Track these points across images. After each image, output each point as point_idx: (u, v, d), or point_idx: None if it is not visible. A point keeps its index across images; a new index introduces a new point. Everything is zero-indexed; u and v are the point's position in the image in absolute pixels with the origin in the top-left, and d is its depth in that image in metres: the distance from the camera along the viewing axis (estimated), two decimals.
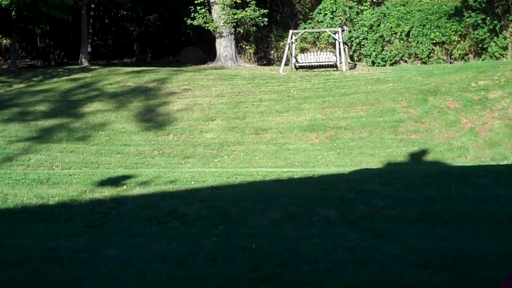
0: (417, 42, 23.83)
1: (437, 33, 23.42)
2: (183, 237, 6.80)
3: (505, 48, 22.13)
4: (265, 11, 25.21)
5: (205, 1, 25.36)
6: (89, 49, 29.12)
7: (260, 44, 28.51)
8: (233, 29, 25.30)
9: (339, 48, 21.91)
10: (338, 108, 16.17)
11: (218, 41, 25.66)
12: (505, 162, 12.01)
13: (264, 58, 28.41)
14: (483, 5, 22.07)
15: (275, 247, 6.26)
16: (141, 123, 15.82)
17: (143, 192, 8.84)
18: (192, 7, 24.95)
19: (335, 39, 22.58)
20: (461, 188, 8.67)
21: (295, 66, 22.55)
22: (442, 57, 23.60)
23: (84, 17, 26.48)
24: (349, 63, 22.78)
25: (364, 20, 24.75)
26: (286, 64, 22.31)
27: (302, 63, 22.71)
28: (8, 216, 7.71)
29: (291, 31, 23.36)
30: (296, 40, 23.91)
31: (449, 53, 23.52)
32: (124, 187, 9.20)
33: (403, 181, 9.29)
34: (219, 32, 25.29)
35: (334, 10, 25.40)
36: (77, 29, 27.30)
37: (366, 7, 25.17)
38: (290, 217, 7.51)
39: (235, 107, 16.76)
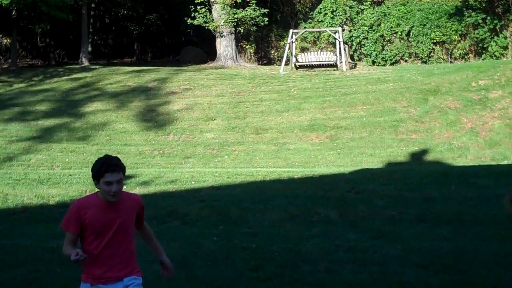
0: (418, 42, 23.81)
1: (438, 32, 23.40)
2: (183, 237, 6.80)
3: (506, 48, 22.10)
4: (266, 10, 25.18)
5: (206, 0, 25.35)
6: (90, 49, 29.10)
7: (261, 43, 28.49)
8: (234, 29, 25.28)
9: (339, 48, 21.90)
10: (338, 108, 16.17)
11: (218, 40, 25.65)
12: (505, 162, 12.01)
13: (264, 58, 28.39)
14: (484, 5, 22.04)
15: (275, 247, 6.26)
16: (141, 123, 15.82)
17: (144, 192, 8.85)
18: (192, 6, 24.93)
19: (335, 39, 22.57)
20: (461, 188, 8.67)
21: (295, 65, 22.55)
22: (442, 57, 23.58)
23: (85, 16, 26.46)
24: (349, 62, 22.78)
25: (365, 20, 24.74)
26: (286, 64, 22.30)
27: (303, 62, 22.70)
28: (9, 216, 7.73)
29: (291, 31, 23.35)
30: (296, 39, 23.90)
31: (449, 52, 23.50)
32: (125, 187, 9.19)
33: (403, 181, 9.29)
34: (219, 32, 25.28)
35: (335, 9, 25.39)
36: (78, 28, 27.24)
37: (367, 7, 25.15)
38: (290, 217, 7.52)
39: (235, 107, 16.76)
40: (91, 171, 3.40)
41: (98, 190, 3.39)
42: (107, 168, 3.30)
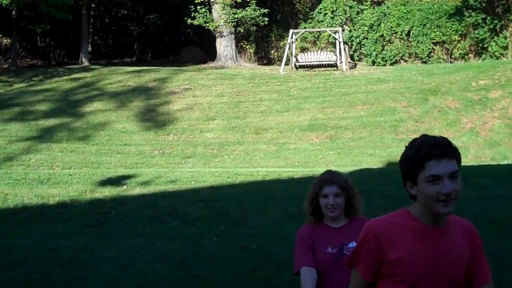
0: (418, 42, 23.82)
1: (438, 32, 23.40)
2: (183, 237, 6.80)
3: (506, 48, 22.11)
4: (266, 10, 25.19)
5: (206, 0, 25.35)
6: (90, 49, 29.11)
7: (261, 43, 28.49)
8: (234, 29, 25.29)
9: (339, 48, 21.90)
10: (338, 108, 16.17)
11: (218, 40, 25.65)
12: (505, 162, 12.01)
13: (264, 58, 28.39)
14: (484, 5, 22.05)
15: (275, 247, 6.26)
16: (141, 123, 15.82)
17: (144, 192, 8.85)
18: (192, 6, 24.93)
19: (335, 39, 22.57)
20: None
21: (295, 65, 22.55)
22: (442, 57, 23.58)
23: (85, 16, 26.47)
24: (349, 62, 22.78)
25: (365, 20, 24.74)
26: (286, 64, 22.31)
27: (303, 62, 22.70)
28: (9, 216, 7.72)
29: (291, 31, 23.35)
30: (296, 39, 23.90)
31: (449, 52, 23.50)
32: (125, 187, 9.21)
33: None
34: (219, 32, 25.29)
35: (335, 9, 25.39)
36: (78, 28, 27.24)
37: (367, 7, 25.15)
38: (290, 217, 7.50)
39: (235, 107, 16.76)
40: (401, 161, 2.01)
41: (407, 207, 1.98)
42: (431, 151, 1.84)
